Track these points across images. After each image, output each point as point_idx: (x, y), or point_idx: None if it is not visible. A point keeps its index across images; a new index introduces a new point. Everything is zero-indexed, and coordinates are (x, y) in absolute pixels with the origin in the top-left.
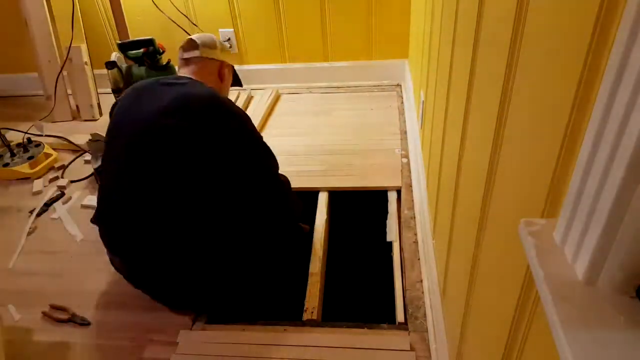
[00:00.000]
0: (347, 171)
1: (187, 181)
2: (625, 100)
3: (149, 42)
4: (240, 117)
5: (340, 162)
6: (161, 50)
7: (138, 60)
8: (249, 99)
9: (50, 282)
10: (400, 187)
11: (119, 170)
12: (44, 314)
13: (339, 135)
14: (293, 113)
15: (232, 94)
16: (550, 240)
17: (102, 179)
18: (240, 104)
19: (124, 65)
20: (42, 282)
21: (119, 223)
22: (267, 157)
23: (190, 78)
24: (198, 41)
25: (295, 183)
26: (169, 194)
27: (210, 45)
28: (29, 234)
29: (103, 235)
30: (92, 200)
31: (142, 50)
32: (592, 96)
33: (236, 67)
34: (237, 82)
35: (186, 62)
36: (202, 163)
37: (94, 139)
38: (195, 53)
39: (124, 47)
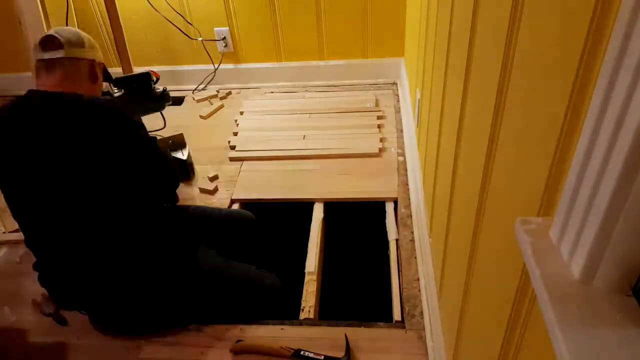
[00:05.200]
0: (343, 172)
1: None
2: (621, 99)
3: (146, 77)
4: (134, 124)
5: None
6: (155, 79)
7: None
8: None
9: None
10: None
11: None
12: (34, 301)
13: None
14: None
15: (233, 93)
16: (547, 239)
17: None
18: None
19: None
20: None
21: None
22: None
23: (61, 93)
24: (61, 38)
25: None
26: (85, 211)
27: (77, 43)
28: None
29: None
30: None
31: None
32: (588, 94)
33: (232, 66)
34: (107, 77)
35: (48, 65)
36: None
37: None
38: (59, 53)
39: (121, 82)
